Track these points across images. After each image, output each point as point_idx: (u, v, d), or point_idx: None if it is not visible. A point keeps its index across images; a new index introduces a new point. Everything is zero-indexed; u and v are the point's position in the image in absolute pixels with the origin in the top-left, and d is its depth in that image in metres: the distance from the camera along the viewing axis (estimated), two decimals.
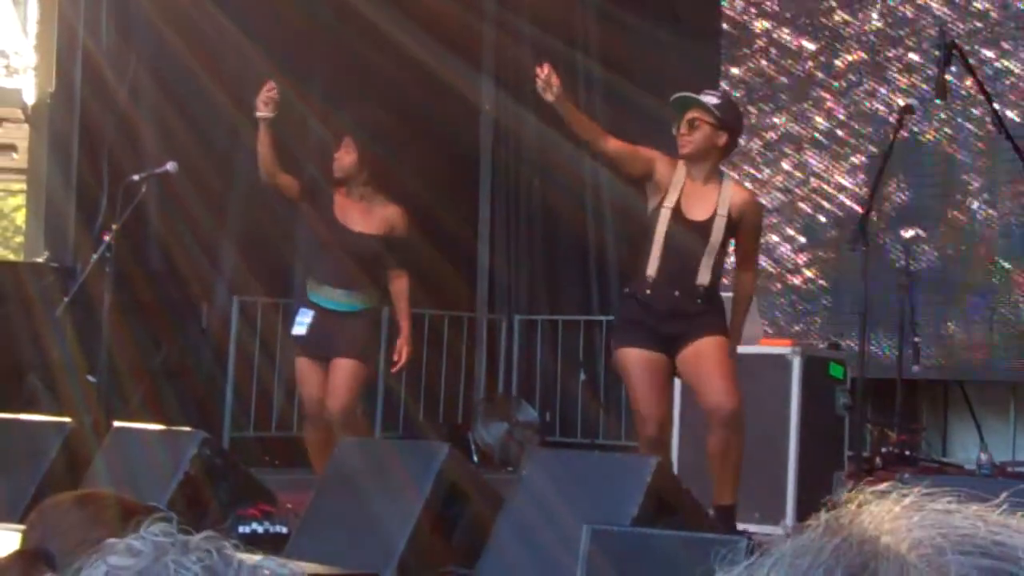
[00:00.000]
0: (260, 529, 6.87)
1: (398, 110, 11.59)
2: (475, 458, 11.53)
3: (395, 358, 8.20)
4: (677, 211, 7.06)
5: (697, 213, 7.07)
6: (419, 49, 12.11)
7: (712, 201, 7.09)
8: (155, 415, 9.38)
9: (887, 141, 7.87)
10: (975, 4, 10.06)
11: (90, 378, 9.30)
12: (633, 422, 7.42)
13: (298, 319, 8.20)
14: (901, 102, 8.80)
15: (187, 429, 7.78)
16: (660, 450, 6.99)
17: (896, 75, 10.37)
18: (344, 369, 8.06)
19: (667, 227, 7.05)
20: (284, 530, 6.89)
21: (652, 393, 7.08)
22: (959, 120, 9.94)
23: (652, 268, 7.07)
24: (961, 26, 10.00)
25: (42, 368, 9.99)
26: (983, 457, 9.44)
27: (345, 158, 8.28)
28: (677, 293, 7.03)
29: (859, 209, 8.84)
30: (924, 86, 9.83)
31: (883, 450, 9.27)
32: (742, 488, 7.25)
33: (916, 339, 9.17)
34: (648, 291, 7.08)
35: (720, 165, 7.23)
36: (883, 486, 1.10)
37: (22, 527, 2.55)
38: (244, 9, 11.41)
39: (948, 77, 7.77)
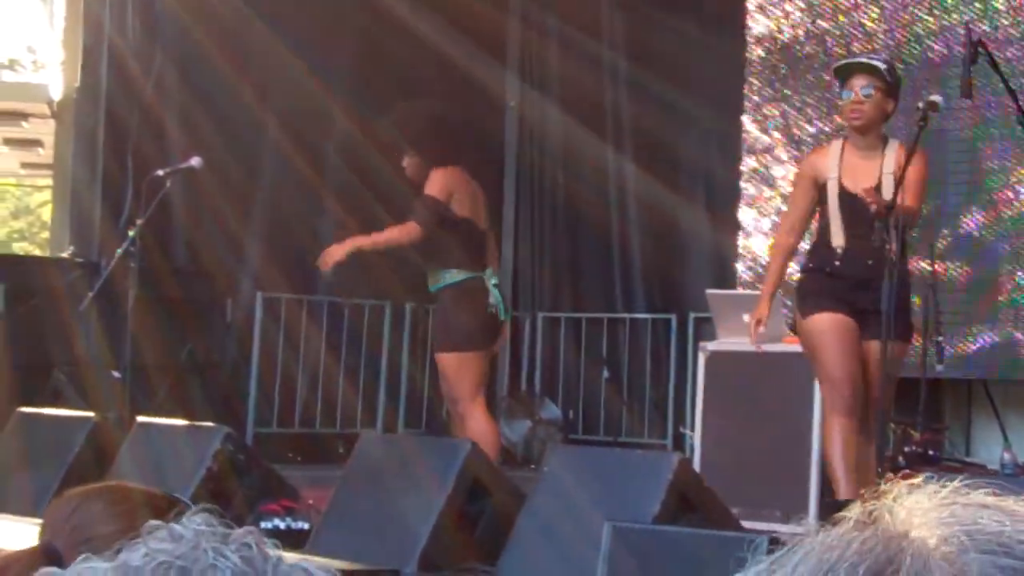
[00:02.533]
0: (282, 525, 6.89)
1: None
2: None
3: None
4: (841, 182, 7.05)
5: (862, 182, 7.00)
6: (444, 43, 12.13)
7: (876, 166, 7.05)
8: (179, 410, 9.41)
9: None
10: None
11: (115, 373, 9.33)
12: (824, 394, 7.24)
13: None
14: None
15: (210, 424, 7.80)
16: (854, 416, 6.91)
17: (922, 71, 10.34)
18: (440, 367, 8.35)
19: (838, 198, 7.04)
20: (306, 526, 6.91)
21: (847, 357, 6.98)
22: (987, 116, 9.90)
23: (839, 239, 7.07)
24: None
25: (67, 363, 10.01)
26: (1006, 456, 9.42)
27: (409, 167, 8.42)
28: (871, 262, 6.93)
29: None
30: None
31: (906, 449, 9.26)
32: (763, 486, 7.24)
33: (939, 338, 9.14)
34: (838, 262, 7.08)
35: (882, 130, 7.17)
36: (918, 479, 1.10)
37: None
38: (269, 4, 11.43)
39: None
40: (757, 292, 8.30)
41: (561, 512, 6.12)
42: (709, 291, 9.22)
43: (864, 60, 7.30)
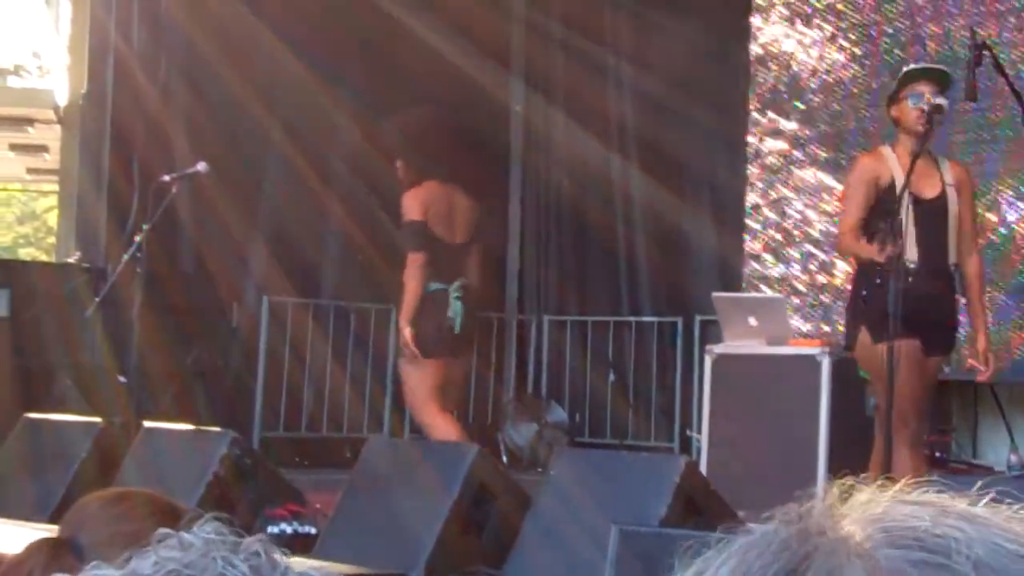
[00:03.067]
0: (289, 529, 6.88)
1: None
2: (504, 459, 11.53)
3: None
4: (912, 192, 6.84)
5: (927, 190, 6.94)
6: (449, 50, 12.12)
7: (935, 176, 7.00)
8: (185, 415, 9.41)
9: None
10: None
11: (120, 378, 9.33)
12: (879, 420, 7.01)
13: None
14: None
15: (216, 429, 7.80)
16: (920, 447, 6.86)
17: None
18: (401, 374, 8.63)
19: (912, 209, 6.81)
20: (312, 530, 6.91)
21: (917, 386, 6.91)
22: (990, 119, 9.90)
23: (912, 253, 6.87)
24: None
25: (73, 368, 10.02)
26: (1013, 458, 9.42)
27: (400, 170, 8.57)
28: (939, 279, 6.90)
29: None
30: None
31: None
32: (769, 489, 7.21)
33: None
34: (911, 278, 6.82)
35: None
36: (849, 479, 1.09)
37: (51, 527, 2.57)
38: (274, 10, 11.44)
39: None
40: (764, 295, 8.27)
41: (568, 516, 6.12)
42: (715, 294, 9.22)
43: (941, 68, 7.19)
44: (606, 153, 12.58)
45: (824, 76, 10.98)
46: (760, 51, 11.39)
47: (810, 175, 11.12)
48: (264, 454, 8.80)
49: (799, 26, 11.19)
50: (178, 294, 10.47)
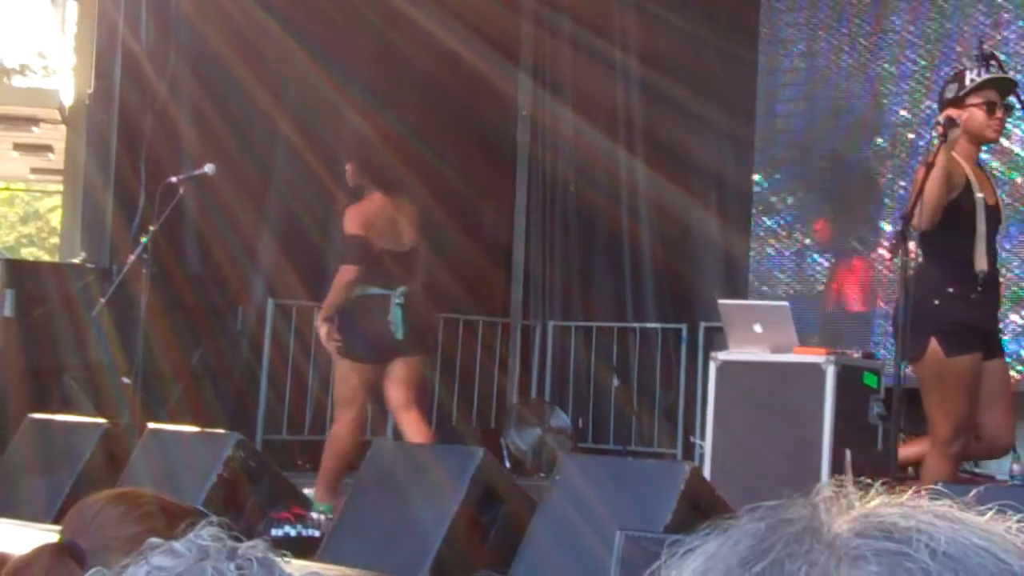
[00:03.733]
0: (293, 532, 6.88)
1: (436, 108, 11.63)
2: (508, 463, 11.53)
3: None
4: (983, 198, 6.77)
5: (989, 197, 6.87)
6: (457, 46, 12.13)
7: (990, 183, 6.97)
8: (191, 416, 9.41)
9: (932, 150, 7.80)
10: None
11: (125, 379, 9.33)
12: (941, 432, 6.91)
13: None
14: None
15: (223, 431, 7.80)
16: (957, 465, 6.83)
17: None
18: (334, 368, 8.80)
19: (986, 218, 6.75)
20: (316, 533, 6.91)
21: (975, 405, 6.85)
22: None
23: (981, 263, 6.77)
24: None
25: (79, 369, 10.01)
26: (1016, 468, 9.41)
27: (348, 172, 8.79)
28: (997, 288, 6.88)
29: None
30: None
31: None
32: (774, 496, 7.22)
33: None
34: (980, 288, 6.79)
35: None
36: (832, 487, 1.10)
37: (57, 527, 2.57)
38: (283, 6, 11.43)
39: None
40: (769, 302, 8.24)
41: (573, 520, 6.12)
42: (721, 300, 9.21)
43: (1011, 78, 7.15)
44: (614, 153, 12.56)
45: (831, 76, 10.99)
46: (769, 49, 11.40)
47: (815, 177, 11.13)
48: (268, 456, 8.81)
49: (807, 25, 11.19)
50: (185, 295, 10.47)
